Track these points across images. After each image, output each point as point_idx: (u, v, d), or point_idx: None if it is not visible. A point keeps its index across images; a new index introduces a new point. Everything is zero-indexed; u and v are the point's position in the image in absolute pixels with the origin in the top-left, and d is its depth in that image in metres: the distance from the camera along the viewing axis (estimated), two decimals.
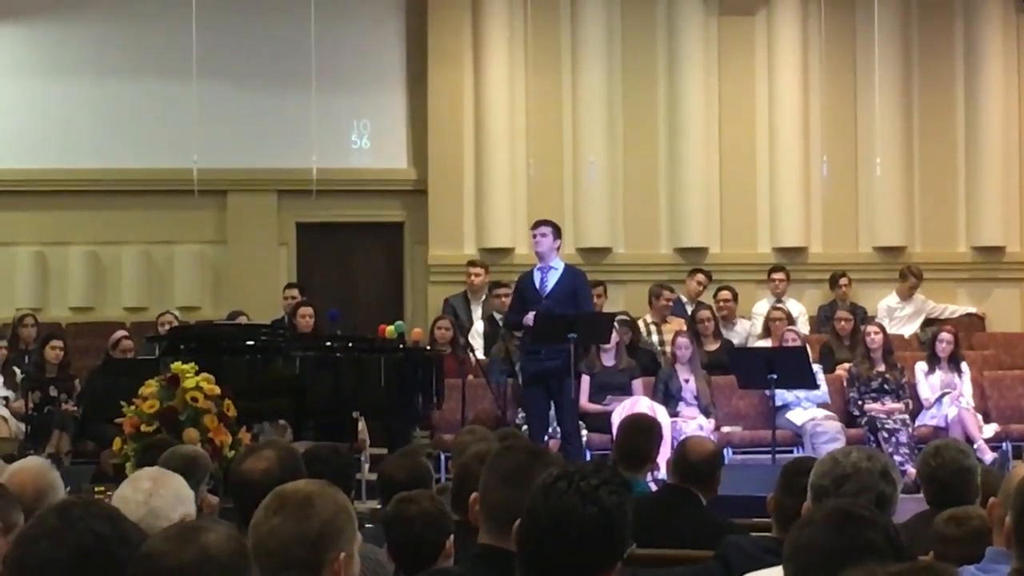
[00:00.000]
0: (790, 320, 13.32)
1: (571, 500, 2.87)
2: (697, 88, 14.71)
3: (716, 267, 14.40)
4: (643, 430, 6.47)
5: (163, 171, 14.45)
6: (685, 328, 12.99)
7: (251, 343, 10.71)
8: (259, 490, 3.35)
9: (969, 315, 14.74)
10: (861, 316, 13.86)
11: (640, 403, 11.65)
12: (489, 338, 13.14)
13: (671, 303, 13.45)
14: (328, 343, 10.95)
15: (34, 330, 13.04)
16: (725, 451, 11.18)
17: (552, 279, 10.77)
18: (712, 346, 13.08)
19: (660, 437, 6.68)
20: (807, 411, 12.22)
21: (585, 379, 11.70)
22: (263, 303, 13.69)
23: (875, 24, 14.57)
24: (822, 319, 14.21)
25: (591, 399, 11.77)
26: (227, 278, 14.83)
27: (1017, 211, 14.95)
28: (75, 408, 11.91)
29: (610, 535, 2.89)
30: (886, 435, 11.97)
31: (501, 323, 12.91)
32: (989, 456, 11.64)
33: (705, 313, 13.30)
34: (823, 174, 14.56)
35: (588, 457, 10.95)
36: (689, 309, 13.72)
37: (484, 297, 13.81)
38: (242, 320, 12.59)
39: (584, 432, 11.35)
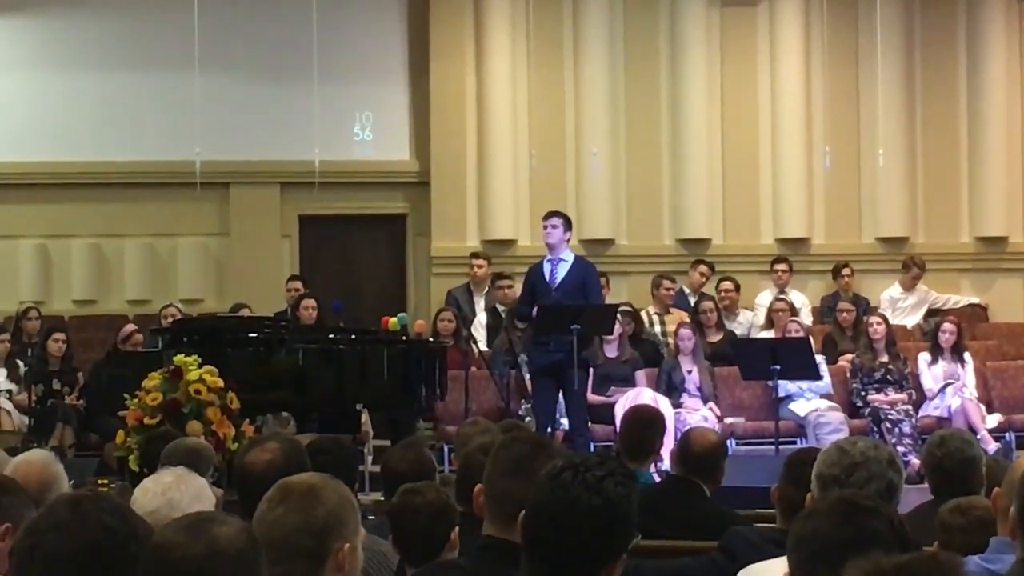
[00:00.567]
0: (793, 311, 13.32)
1: (576, 491, 2.87)
2: (699, 79, 14.70)
3: (719, 258, 14.40)
4: (647, 422, 6.47)
5: (166, 164, 14.45)
6: (688, 319, 13.00)
7: (254, 335, 10.72)
8: (263, 482, 3.35)
9: (972, 306, 14.73)
10: (864, 307, 13.86)
11: (643, 394, 11.67)
12: (492, 330, 13.15)
13: (671, 292, 13.46)
14: (331, 335, 10.95)
15: (37, 323, 13.04)
16: (728, 442, 11.18)
17: (562, 271, 10.78)
18: (715, 337, 13.08)
19: (664, 428, 6.70)
20: (810, 402, 12.23)
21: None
22: (266, 296, 13.70)
23: (877, 15, 14.54)
24: (825, 310, 14.21)
25: (594, 390, 11.77)
26: (230, 271, 14.83)
27: (1020, 201, 14.93)
28: (78, 401, 11.92)
29: (615, 526, 2.89)
30: (889, 426, 11.98)
31: (504, 315, 12.92)
32: (992, 446, 11.65)
33: (708, 304, 13.31)
34: (826, 165, 14.55)
35: (592, 449, 10.95)
36: (692, 300, 13.73)
37: (487, 289, 13.81)
38: (245, 313, 12.60)
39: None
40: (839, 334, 13.26)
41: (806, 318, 13.74)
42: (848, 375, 12.55)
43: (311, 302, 12.59)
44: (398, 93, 15.05)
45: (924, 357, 12.63)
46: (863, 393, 12.33)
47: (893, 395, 12.27)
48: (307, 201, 14.75)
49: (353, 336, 10.84)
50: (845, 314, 13.33)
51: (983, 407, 12.33)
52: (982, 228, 14.92)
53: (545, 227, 10.92)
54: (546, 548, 2.89)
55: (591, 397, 11.60)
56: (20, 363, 12.38)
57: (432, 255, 14.67)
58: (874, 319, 12.71)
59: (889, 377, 12.38)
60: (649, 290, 13.56)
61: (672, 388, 12.17)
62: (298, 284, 13.53)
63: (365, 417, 11.21)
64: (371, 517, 6.00)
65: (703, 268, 14.08)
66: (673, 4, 14.76)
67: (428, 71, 14.77)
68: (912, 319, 14.38)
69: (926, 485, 5.19)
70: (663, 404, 11.38)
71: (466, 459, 4.78)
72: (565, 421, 11.07)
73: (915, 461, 10.94)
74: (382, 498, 5.62)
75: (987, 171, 14.86)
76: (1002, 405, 12.60)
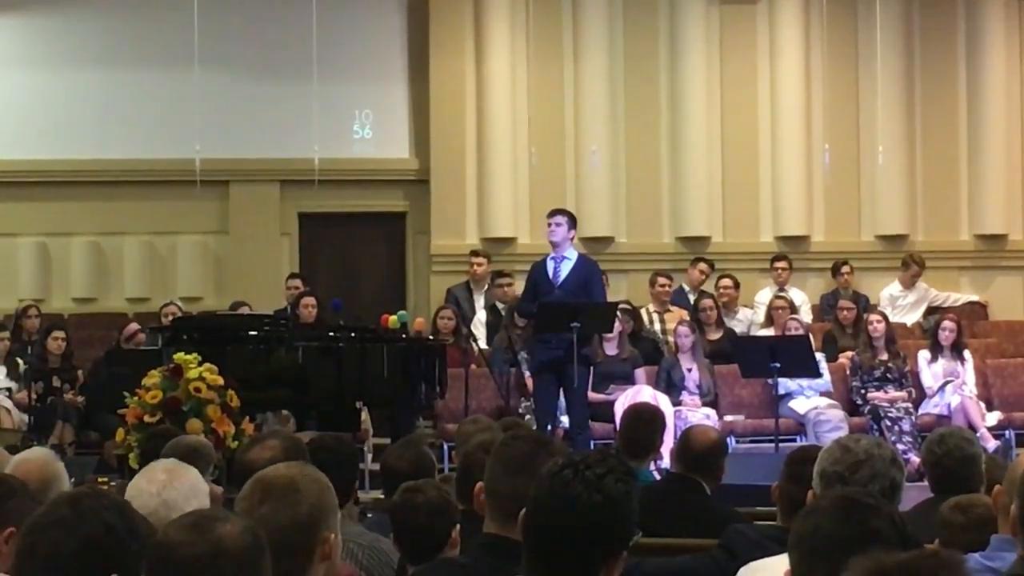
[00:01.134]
0: (792, 309, 13.32)
1: (576, 489, 2.87)
2: (699, 77, 14.70)
3: (718, 256, 14.40)
4: (647, 419, 6.48)
5: (165, 161, 14.46)
6: (687, 317, 13.00)
7: (254, 333, 10.71)
8: None
9: (971, 303, 14.73)
10: (863, 305, 13.86)
11: (643, 392, 11.68)
12: (492, 328, 13.15)
13: (666, 288, 13.46)
14: (331, 333, 10.95)
15: (37, 321, 13.04)
16: (728, 440, 11.18)
17: (565, 268, 10.77)
18: (715, 335, 13.09)
19: (664, 426, 6.71)
20: (810, 400, 12.23)
21: None
22: (266, 293, 13.70)
23: (877, 12, 14.54)
24: (824, 308, 14.22)
25: (594, 388, 11.75)
26: (229, 268, 14.83)
27: (1019, 199, 14.93)
28: (78, 399, 11.92)
29: (615, 524, 2.89)
30: (889, 423, 11.98)
31: (504, 313, 12.92)
32: (992, 444, 11.65)
33: (708, 302, 13.31)
34: (825, 163, 14.55)
35: (592, 447, 10.95)
36: (692, 298, 13.73)
37: (486, 287, 13.81)
38: (244, 310, 12.59)
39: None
40: (839, 332, 13.27)
41: (806, 316, 13.74)
42: (848, 373, 12.55)
43: (311, 300, 12.59)
44: (398, 91, 15.05)
45: (924, 355, 12.63)
46: (863, 391, 12.33)
47: (893, 393, 12.27)
48: (307, 199, 14.75)
49: (353, 334, 10.83)
50: (846, 312, 13.33)
51: (983, 405, 12.33)
52: (982, 226, 14.92)
53: (549, 225, 10.91)
54: (547, 546, 2.89)
55: (591, 395, 11.60)
56: (20, 361, 12.38)
57: (432, 253, 14.67)
58: (874, 317, 12.71)
59: (889, 375, 12.37)
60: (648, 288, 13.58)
61: (672, 386, 12.17)
62: (298, 282, 13.53)
63: (365, 415, 11.22)
64: (369, 515, 6.00)
65: (703, 266, 14.09)
66: (673, 2, 14.76)
67: (428, 69, 14.77)
68: (912, 317, 14.38)
69: (925, 483, 5.19)
70: (663, 402, 11.39)
71: (466, 457, 4.78)
72: (565, 419, 11.06)
73: (915, 459, 10.94)
74: (382, 496, 5.62)
75: (987, 169, 14.86)
76: (1002, 403, 12.60)
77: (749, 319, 13.86)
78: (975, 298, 14.82)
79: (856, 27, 14.86)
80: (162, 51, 14.48)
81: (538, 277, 10.86)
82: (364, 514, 5.99)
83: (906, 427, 11.96)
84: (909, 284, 14.39)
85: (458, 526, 4.23)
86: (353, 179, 14.85)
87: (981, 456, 5.07)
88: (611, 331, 11.80)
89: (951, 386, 12.33)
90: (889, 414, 12.04)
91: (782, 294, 13.78)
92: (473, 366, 12.02)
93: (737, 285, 13.87)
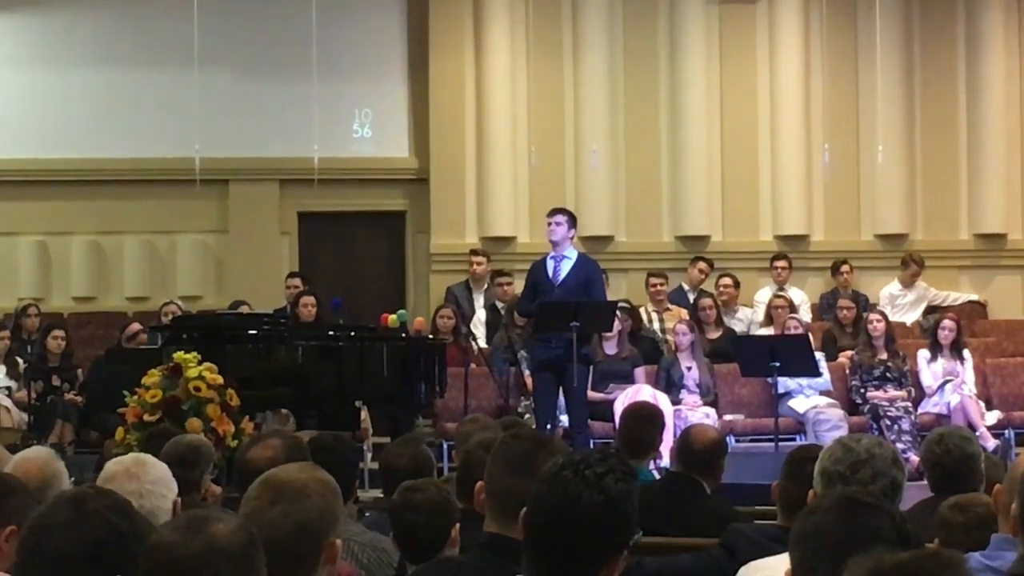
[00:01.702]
0: (792, 308, 13.32)
1: (577, 488, 2.87)
2: (698, 76, 14.70)
3: (718, 255, 14.40)
4: (646, 419, 6.47)
5: (165, 160, 14.46)
6: (687, 316, 13.00)
7: (253, 332, 10.71)
8: None
9: (971, 302, 14.74)
10: (863, 304, 13.86)
11: (642, 391, 11.68)
12: (491, 327, 13.16)
13: (659, 287, 13.46)
14: (330, 332, 10.95)
15: (36, 320, 13.05)
16: (728, 439, 11.18)
17: (565, 268, 10.76)
18: (714, 334, 13.09)
19: (663, 425, 6.69)
20: (809, 399, 12.23)
21: None
22: (265, 292, 13.70)
23: (876, 12, 14.54)
24: (824, 307, 14.22)
25: (594, 387, 11.76)
26: (229, 267, 14.84)
27: (1019, 198, 14.93)
28: (78, 398, 11.92)
29: (616, 523, 2.89)
30: (888, 423, 11.98)
31: (504, 312, 12.93)
32: (991, 443, 11.65)
33: (707, 301, 13.32)
34: (825, 162, 14.55)
35: (592, 446, 10.95)
36: (691, 297, 13.74)
37: (486, 286, 13.82)
38: (244, 309, 12.59)
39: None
40: (839, 331, 13.26)
41: (805, 315, 13.74)
42: (847, 372, 12.55)
43: (310, 299, 12.58)
44: (397, 90, 15.05)
45: (923, 354, 12.63)
46: (862, 390, 12.32)
47: (892, 392, 12.27)
48: (306, 198, 14.75)
49: (352, 333, 10.83)
50: (845, 311, 13.33)
51: (982, 404, 12.33)
52: (981, 225, 14.92)
53: (549, 223, 10.89)
54: (547, 545, 2.88)
55: (591, 394, 11.60)
56: (19, 360, 12.38)
57: (431, 252, 14.67)
58: (873, 316, 12.71)
59: (888, 374, 12.37)
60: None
61: (671, 385, 12.17)
62: (297, 281, 13.53)
63: (364, 414, 11.22)
64: (368, 514, 6.00)
65: (702, 265, 14.09)
66: (672, 1, 14.76)
67: (427, 68, 14.77)
68: (911, 316, 14.38)
69: (925, 482, 5.19)
70: (662, 401, 11.39)
71: (466, 456, 4.78)
72: (565, 418, 11.06)
73: (914, 458, 10.93)
74: (382, 495, 5.62)
75: (986, 168, 14.86)
76: (1001, 402, 12.60)
77: (749, 318, 13.86)
78: (974, 297, 14.82)
79: (856, 26, 14.86)
80: (162, 51, 14.48)
81: (538, 276, 10.86)
82: (363, 513, 5.99)
83: (905, 426, 11.96)
84: (909, 283, 14.40)
85: (458, 525, 4.23)
86: (353, 178, 14.85)
87: (980, 455, 5.07)
88: (611, 330, 11.80)
89: (950, 385, 12.33)
90: (888, 413, 12.04)
91: (782, 293, 13.78)
92: (473, 365, 12.01)
93: (737, 284, 13.88)
